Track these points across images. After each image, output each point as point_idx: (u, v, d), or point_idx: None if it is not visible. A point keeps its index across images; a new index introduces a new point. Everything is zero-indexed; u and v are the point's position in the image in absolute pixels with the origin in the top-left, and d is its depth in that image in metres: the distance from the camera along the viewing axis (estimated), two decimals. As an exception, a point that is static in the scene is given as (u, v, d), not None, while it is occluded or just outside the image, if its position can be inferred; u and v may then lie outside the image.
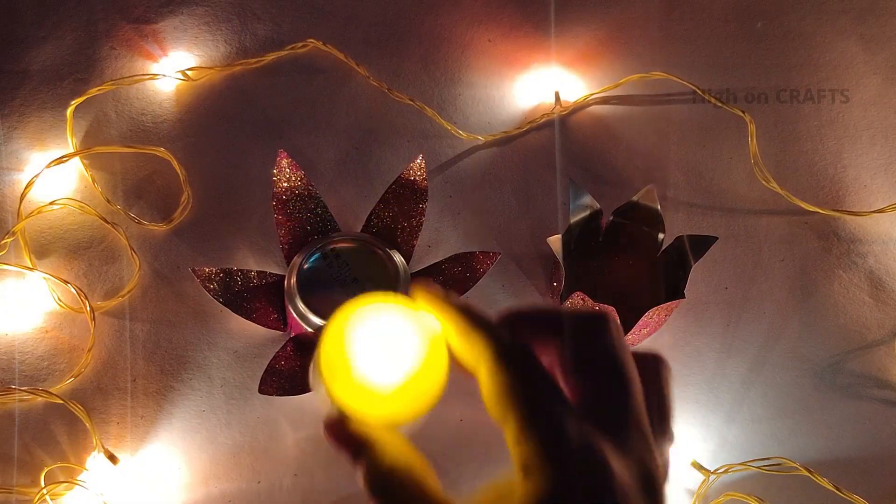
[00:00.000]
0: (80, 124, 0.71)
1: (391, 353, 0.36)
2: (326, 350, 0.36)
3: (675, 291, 0.63)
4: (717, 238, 0.62)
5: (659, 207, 0.64)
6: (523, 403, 0.32)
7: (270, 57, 0.74)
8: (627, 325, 0.61)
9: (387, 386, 0.36)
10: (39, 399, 0.61)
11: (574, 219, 0.64)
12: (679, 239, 0.63)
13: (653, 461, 0.33)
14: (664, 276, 0.65)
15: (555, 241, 0.62)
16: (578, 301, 0.61)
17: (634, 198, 0.64)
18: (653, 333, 0.65)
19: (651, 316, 0.61)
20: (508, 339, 0.33)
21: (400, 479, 0.33)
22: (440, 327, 0.36)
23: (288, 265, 0.63)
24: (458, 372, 0.35)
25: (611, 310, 0.60)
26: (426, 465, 0.34)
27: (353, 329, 0.36)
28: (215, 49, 0.75)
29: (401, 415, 0.36)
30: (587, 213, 0.65)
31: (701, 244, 0.62)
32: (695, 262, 0.62)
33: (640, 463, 0.33)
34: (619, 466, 0.32)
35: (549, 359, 0.35)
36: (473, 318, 0.34)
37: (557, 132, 0.73)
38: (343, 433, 0.35)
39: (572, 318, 0.35)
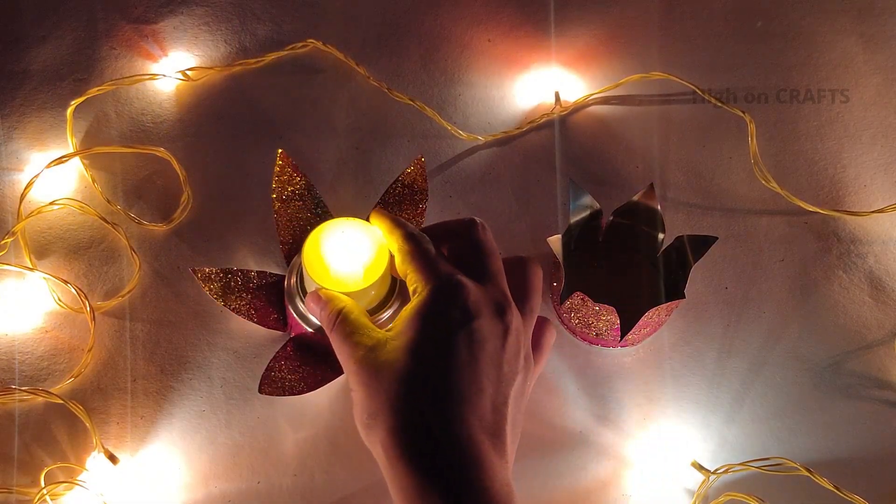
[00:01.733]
0: (80, 124, 0.71)
1: (352, 253, 0.56)
2: (308, 251, 0.56)
3: (675, 291, 0.63)
4: (717, 238, 0.62)
5: (659, 207, 0.64)
6: (415, 257, 0.52)
7: (270, 57, 0.74)
8: (627, 325, 0.61)
9: (348, 274, 0.56)
10: (39, 399, 0.61)
11: (574, 219, 0.64)
12: (679, 239, 0.63)
13: (506, 302, 0.50)
14: (664, 276, 0.65)
15: (555, 241, 0.62)
16: (578, 301, 0.61)
17: (634, 198, 0.64)
18: (653, 333, 0.65)
19: (651, 316, 0.61)
20: (413, 229, 0.53)
21: (349, 314, 0.52)
22: (383, 236, 0.55)
23: (288, 265, 0.63)
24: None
25: (611, 309, 0.60)
26: (365, 312, 0.54)
27: (326, 237, 0.56)
28: (215, 49, 0.75)
29: (357, 289, 0.55)
30: (587, 213, 0.65)
31: (701, 244, 0.62)
32: (695, 262, 0.62)
33: (495, 300, 0.50)
34: (476, 295, 0.49)
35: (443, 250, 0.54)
36: (396, 221, 0.54)
37: (557, 132, 0.73)
38: (317, 295, 0.54)
39: (453, 222, 0.54)
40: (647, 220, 0.65)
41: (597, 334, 0.64)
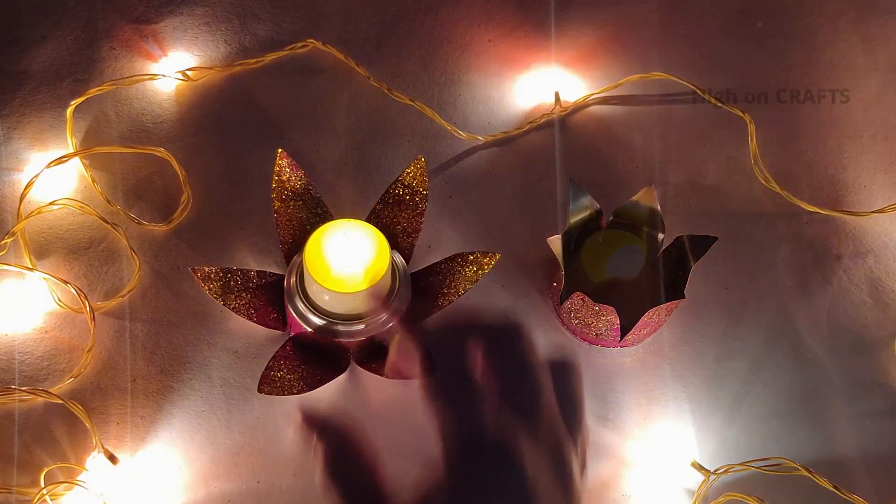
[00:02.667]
0: (80, 124, 0.71)
1: (353, 254, 0.57)
2: (309, 252, 0.57)
3: (675, 291, 0.62)
4: (717, 238, 0.62)
5: (659, 207, 0.64)
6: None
7: (270, 57, 0.74)
8: (628, 326, 0.61)
9: (349, 275, 0.57)
10: (39, 399, 0.61)
11: (574, 219, 0.64)
12: (679, 239, 0.63)
13: (566, 445, 0.44)
14: (664, 276, 0.65)
15: (554, 242, 0.62)
16: (578, 301, 0.61)
17: (634, 198, 0.64)
18: (653, 333, 0.65)
19: (651, 316, 0.61)
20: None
21: (349, 464, 0.45)
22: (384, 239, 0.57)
23: (288, 265, 0.63)
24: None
25: (611, 310, 0.60)
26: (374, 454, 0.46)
27: (328, 238, 0.57)
28: (215, 49, 0.75)
29: (358, 290, 0.56)
30: (587, 213, 0.65)
31: (701, 244, 0.62)
32: (695, 262, 0.62)
33: (552, 445, 0.44)
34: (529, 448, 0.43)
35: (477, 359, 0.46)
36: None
37: (557, 132, 0.73)
38: (312, 416, 0.47)
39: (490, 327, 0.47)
40: (647, 220, 0.65)
41: (597, 334, 0.64)
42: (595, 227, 0.66)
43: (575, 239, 0.66)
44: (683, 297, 0.61)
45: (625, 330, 0.62)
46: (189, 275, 0.65)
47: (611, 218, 0.66)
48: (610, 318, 0.61)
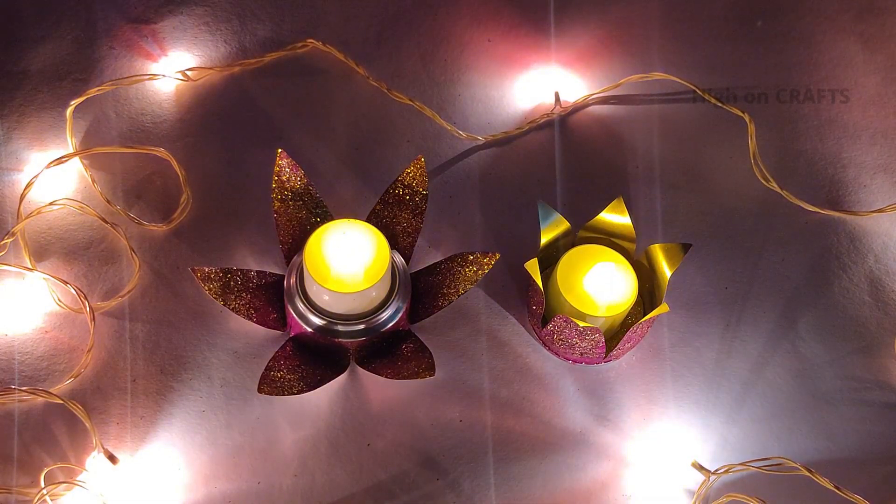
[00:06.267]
0: (79, 124, 0.71)
1: (353, 254, 0.57)
2: (309, 252, 0.57)
3: (652, 302, 0.62)
4: (691, 245, 0.62)
5: (629, 218, 0.63)
6: None
7: (270, 57, 0.74)
8: (612, 343, 0.61)
9: (349, 275, 0.57)
10: (39, 399, 0.61)
11: (545, 239, 0.63)
12: (651, 248, 0.63)
13: None
14: (640, 288, 0.64)
15: (532, 266, 0.61)
16: (561, 323, 0.60)
17: (603, 212, 0.64)
18: (634, 347, 0.65)
19: (635, 330, 0.61)
20: None
21: None
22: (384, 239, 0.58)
23: (288, 265, 0.63)
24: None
25: (596, 329, 0.60)
26: None
27: (328, 238, 0.58)
28: (215, 49, 0.75)
29: (358, 290, 0.57)
30: (558, 231, 0.64)
31: (676, 252, 0.62)
32: (671, 272, 0.61)
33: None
34: None
35: None
36: None
37: (557, 132, 0.73)
38: None
39: None
40: (618, 233, 0.64)
41: (581, 353, 0.63)
42: (568, 246, 0.65)
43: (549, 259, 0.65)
44: (667, 307, 0.60)
45: (610, 348, 0.61)
46: (189, 275, 0.65)
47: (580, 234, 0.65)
48: (595, 337, 0.61)
